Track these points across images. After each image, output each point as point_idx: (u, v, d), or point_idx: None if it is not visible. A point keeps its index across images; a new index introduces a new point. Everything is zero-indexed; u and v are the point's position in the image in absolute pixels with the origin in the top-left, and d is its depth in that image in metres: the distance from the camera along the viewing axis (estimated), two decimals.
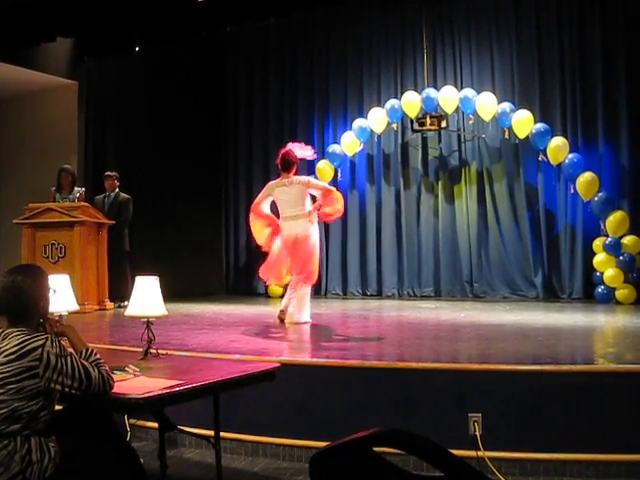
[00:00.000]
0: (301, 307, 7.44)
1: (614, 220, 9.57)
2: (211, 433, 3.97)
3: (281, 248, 7.46)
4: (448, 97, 10.69)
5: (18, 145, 11.98)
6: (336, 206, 7.56)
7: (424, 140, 11.46)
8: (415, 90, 11.17)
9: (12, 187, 11.74)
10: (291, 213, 7.36)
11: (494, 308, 9.38)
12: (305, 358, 5.23)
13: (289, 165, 7.43)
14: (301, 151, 7.66)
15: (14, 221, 9.34)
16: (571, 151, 10.02)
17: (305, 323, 7.40)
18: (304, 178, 7.56)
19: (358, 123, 11.45)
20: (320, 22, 12.17)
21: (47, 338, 2.97)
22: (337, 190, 7.86)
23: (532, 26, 10.63)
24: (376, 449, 1.77)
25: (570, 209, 10.31)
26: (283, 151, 7.54)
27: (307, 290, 7.57)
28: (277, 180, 7.54)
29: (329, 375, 4.84)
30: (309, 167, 11.83)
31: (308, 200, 7.42)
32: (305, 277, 7.45)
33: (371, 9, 11.82)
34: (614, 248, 9.52)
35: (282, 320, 7.42)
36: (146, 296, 4.20)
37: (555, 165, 10.13)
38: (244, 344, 5.99)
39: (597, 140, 10.17)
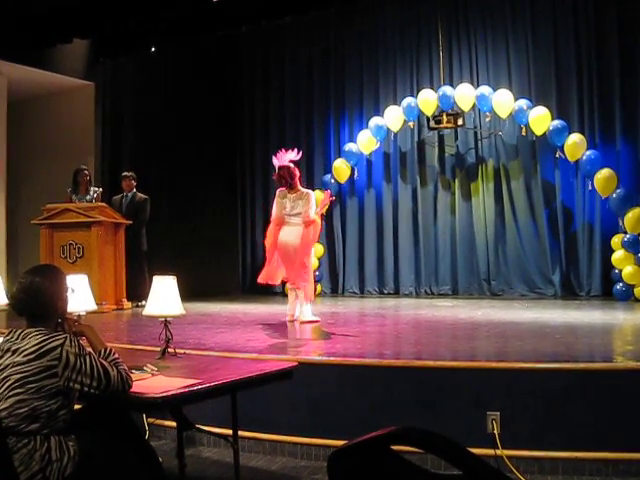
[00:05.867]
0: (304, 307, 7.49)
1: (633, 217, 9.50)
2: (229, 432, 3.98)
3: (276, 253, 7.55)
4: (464, 95, 10.66)
5: (35, 146, 12.07)
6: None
7: (440, 138, 11.42)
8: (431, 88, 11.13)
9: (29, 188, 11.82)
10: (290, 220, 7.43)
11: (512, 306, 9.34)
12: (322, 357, 5.22)
13: (291, 180, 7.43)
14: (286, 156, 7.60)
15: (32, 222, 9.40)
16: (588, 148, 9.95)
17: (311, 322, 7.43)
18: (309, 195, 7.49)
19: (374, 121, 11.44)
20: (335, 20, 12.14)
21: (66, 337, 2.98)
22: (320, 220, 7.90)
23: (548, 22, 10.55)
24: (394, 447, 1.76)
25: (588, 206, 10.23)
26: (278, 169, 7.51)
27: (310, 290, 7.61)
28: (283, 189, 7.56)
29: (346, 374, 4.84)
30: (326, 166, 11.85)
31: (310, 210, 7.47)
32: (303, 293, 7.51)
33: (386, 7, 11.80)
34: (633, 245, 9.45)
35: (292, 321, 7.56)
36: (164, 296, 4.21)
37: (572, 162, 10.06)
38: (261, 343, 6.01)
39: (615, 136, 10.09)
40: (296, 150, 7.72)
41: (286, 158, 7.56)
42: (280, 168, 7.49)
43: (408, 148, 11.70)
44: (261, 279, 8.00)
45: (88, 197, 9.64)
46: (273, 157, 7.69)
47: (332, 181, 11.55)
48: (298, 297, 7.54)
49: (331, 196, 8.62)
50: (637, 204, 9.64)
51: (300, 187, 7.52)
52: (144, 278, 9.31)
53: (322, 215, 8.64)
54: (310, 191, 7.65)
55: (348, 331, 7.06)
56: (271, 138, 12.65)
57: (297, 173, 7.52)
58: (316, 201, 7.66)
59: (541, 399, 4.42)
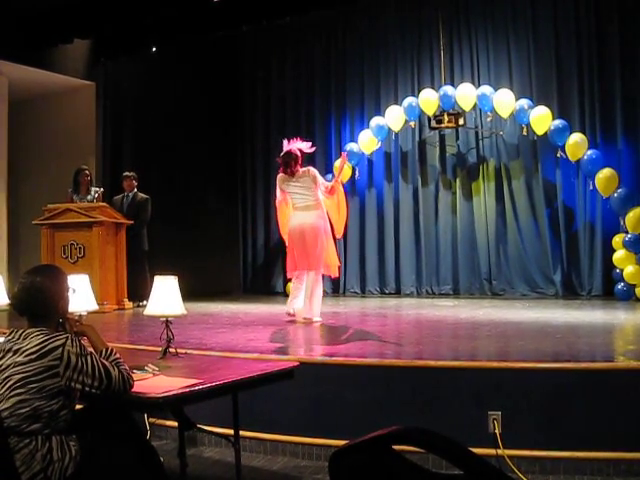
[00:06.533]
0: (313, 304, 7.46)
1: (634, 216, 9.49)
2: (230, 432, 3.98)
3: (290, 240, 7.54)
4: (465, 94, 10.65)
5: (36, 146, 12.06)
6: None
7: (442, 138, 11.42)
8: (432, 88, 11.13)
9: (30, 188, 11.82)
10: (302, 203, 7.42)
11: (513, 306, 9.34)
12: (324, 357, 5.23)
13: (293, 165, 7.43)
14: (297, 144, 7.62)
15: (33, 222, 9.40)
16: (590, 147, 9.95)
17: (314, 322, 7.41)
18: (311, 171, 7.50)
19: (375, 121, 11.44)
20: (336, 21, 12.16)
21: (67, 337, 2.98)
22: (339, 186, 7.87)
23: (549, 21, 10.55)
24: (395, 447, 1.76)
25: (589, 206, 10.23)
26: (284, 153, 7.52)
27: (319, 286, 7.57)
28: (284, 175, 7.56)
29: (348, 373, 4.84)
30: (327, 166, 11.84)
31: (319, 191, 7.49)
32: (325, 269, 7.52)
33: (387, 6, 11.80)
34: (634, 245, 9.44)
35: (292, 320, 7.53)
36: (165, 295, 4.21)
37: (574, 161, 10.06)
38: (262, 343, 6.00)
39: (616, 136, 10.09)
40: (310, 143, 7.74)
41: (296, 145, 7.56)
42: (287, 154, 7.47)
43: (409, 148, 11.70)
44: (289, 273, 7.98)
45: (89, 197, 9.64)
46: (284, 141, 7.70)
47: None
48: (306, 291, 7.50)
49: (347, 156, 8.49)
50: (638, 204, 9.63)
51: (299, 168, 7.49)
52: (145, 278, 9.32)
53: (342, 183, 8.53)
54: (309, 167, 7.63)
55: (349, 331, 7.06)
56: (272, 137, 12.65)
57: (300, 161, 7.51)
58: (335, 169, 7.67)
59: (542, 399, 4.42)
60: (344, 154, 8.11)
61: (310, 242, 7.33)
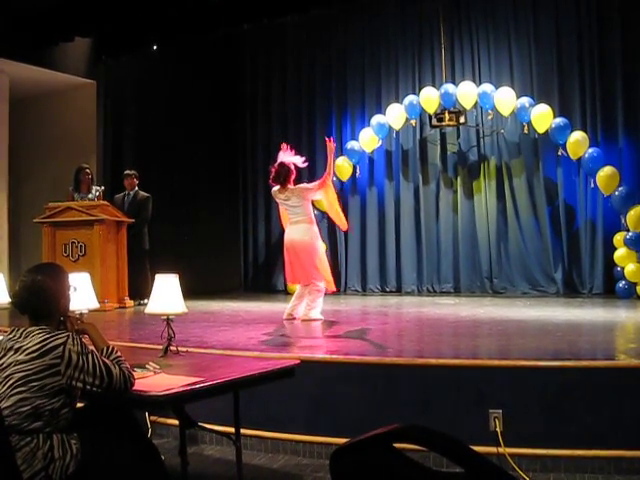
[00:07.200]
0: (313, 304, 7.47)
1: (635, 214, 9.48)
2: (231, 430, 3.98)
3: (286, 254, 7.59)
4: (466, 92, 10.64)
5: (37, 145, 12.06)
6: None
7: (442, 136, 11.41)
8: (433, 86, 11.13)
9: (31, 186, 11.81)
10: (294, 218, 7.51)
11: (514, 304, 9.33)
12: (324, 355, 5.23)
13: (284, 179, 7.44)
14: (291, 158, 7.63)
15: (34, 220, 9.41)
16: (591, 145, 9.94)
17: (315, 320, 7.42)
18: (300, 187, 7.53)
19: (376, 119, 11.43)
20: (337, 19, 12.14)
21: (68, 336, 2.98)
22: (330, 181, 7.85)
23: (550, 19, 10.55)
24: (396, 445, 1.76)
25: (590, 204, 10.22)
26: (274, 168, 7.54)
27: (321, 293, 7.58)
28: (277, 188, 7.60)
29: (348, 371, 4.84)
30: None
31: (309, 206, 7.55)
32: (325, 283, 7.56)
33: (388, 4, 11.79)
34: (635, 243, 9.44)
35: (292, 319, 7.58)
36: (166, 294, 4.21)
37: (575, 160, 10.06)
38: (263, 341, 6.01)
39: (617, 134, 10.09)
40: (304, 158, 7.73)
41: (290, 159, 7.56)
42: (280, 164, 7.49)
43: (410, 146, 11.69)
44: (289, 283, 8.05)
45: (90, 195, 9.63)
46: (281, 150, 7.68)
47: (334, 179, 11.54)
48: (308, 295, 7.52)
49: (333, 141, 8.13)
50: (639, 202, 9.63)
51: (290, 186, 7.50)
52: (146, 276, 9.31)
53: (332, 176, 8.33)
54: (299, 185, 7.63)
55: (350, 329, 7.06)
56: (273, 136, 12.64)
57: (293, 176, 7.52)
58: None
59: (543, 397, 4.42)
60: (329, 140, 7.70)
61: (303, 255, 7.40)
